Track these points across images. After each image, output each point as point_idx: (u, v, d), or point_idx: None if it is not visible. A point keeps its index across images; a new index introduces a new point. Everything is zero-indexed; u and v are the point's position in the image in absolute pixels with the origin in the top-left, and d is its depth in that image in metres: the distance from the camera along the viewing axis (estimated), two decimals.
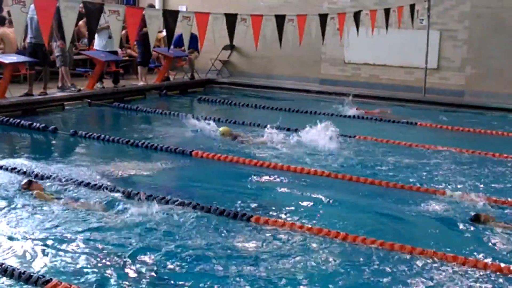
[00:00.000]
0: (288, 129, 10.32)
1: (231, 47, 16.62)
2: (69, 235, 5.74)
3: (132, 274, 5.08)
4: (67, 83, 12.67)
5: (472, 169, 8.65)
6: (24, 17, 7.47)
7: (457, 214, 6.69)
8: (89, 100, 12.44)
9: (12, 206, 6.43)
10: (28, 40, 11.72)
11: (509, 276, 5.28)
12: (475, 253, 5.70)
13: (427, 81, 14.65)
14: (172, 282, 5.00)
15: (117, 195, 6.77)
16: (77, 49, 14.58)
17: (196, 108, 13.52)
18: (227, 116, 11.91)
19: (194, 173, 8.28)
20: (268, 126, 9.99)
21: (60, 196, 6.75)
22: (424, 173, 8.33)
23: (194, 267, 5.25)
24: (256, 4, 16.32)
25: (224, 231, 6.00)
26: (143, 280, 4.99)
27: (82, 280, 4.95)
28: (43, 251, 5.44)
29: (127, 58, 15.71)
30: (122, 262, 5.26)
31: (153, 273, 5.10)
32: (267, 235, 5.96)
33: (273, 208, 6.78)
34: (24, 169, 7.58)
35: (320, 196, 7.18)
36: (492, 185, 7.90)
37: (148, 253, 5.46)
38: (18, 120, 10.31)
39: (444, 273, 5.29)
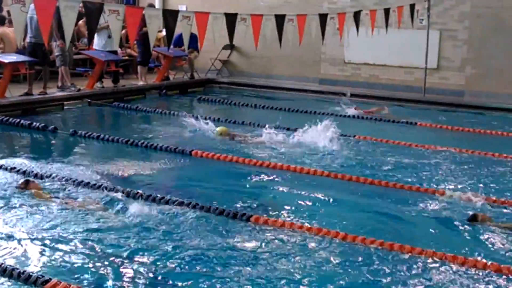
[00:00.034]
0: (288, 129, 10.32)
1: (231, 46, 16.61)
2: (68, 235, 5.74)
3: (131, 273, 5.08)
4: (66, 83, 12.66)
5: (472, 169, 8.65)
6: (23, 17, 7.46)
7: (456, 214, 6.69)
8: (88, 100, 12.44)
9: (12, 206, 6.42)
10: (27, 39, 11.71)
11: (509, 276, 5.28)
12: (474, 253, 5.69)
13: (427, 81, 14.65)
14: (171, 281, 4.99)
15: (117, 194, 6.76)
16: (77, 48, 14.59)
17: (196, 107, 13.51)
18: (226, 115, 11.91)
19: (193, 173, 8.27)
20: (267, 126, 9.99)
21: (59, 195, 6.75)
22: (424, 173, 8.33)
23: (194, 266, 5.25)
24: (256, 4, 16.31)
25: (224, 231, 6.00)
26: (143, 279, 4.99)
27: (81, 279, 4.95)
28: (42, 250, 5.44)
29: (127, 57, 15.71)
30: (121, 262, 5.25)
31: (152, 273, 5.10)
32: (267, 235, 5.96)
33: (273, 208, 6.78)
34: (24, 169, 7.58)
35: (319, 196, 7.18)
36: (492, 185, 7.90)
37: (147, 252, 5.46)
38: (18, 120, 10.31)
39: (443, 273, 5.29)
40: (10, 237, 5.65)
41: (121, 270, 5.13)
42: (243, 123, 11.15)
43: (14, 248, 5.45)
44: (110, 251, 5.46)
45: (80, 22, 13.17)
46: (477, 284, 5.14)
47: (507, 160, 9.22)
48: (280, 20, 10.96)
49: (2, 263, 5.05)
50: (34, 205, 6.40)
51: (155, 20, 9.11)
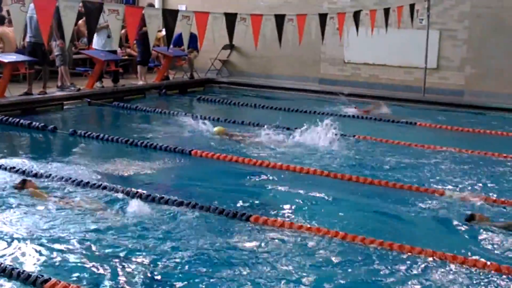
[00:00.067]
0: (288, 129, 10.32)
1: (230, 46, 16.60)
2: (68, 234, 5.74)
3: (130, 273, 5.07)
4: (66, 83, 12.66)
5: (472, 169, 8.65)
6: (23, 16, 7.45)
7: (456, 214, 6.69)
8: (88, 100, 12.43)
9: (11, 205, 6.42)
10: (27, 39, 11.71)
11: (509, 275, 5.28)
12: (474, 253, 5.69)
13: (427, 81, 14.64)
14: (170, 281, 4.99)
15: (116, 194, 6.76)
16: (77, 48, 14.58)
17: (195, 107, 13.51)
18: (226, 115, 11.90)
19: (193, 173, 8.27)
20: (265, 126, 9.98)
21: (58, 195, 6.74)
22: (424, 173, 8.32)
23: (193, 266, 5.24)
24: (256, 3, 16.30)
25: (223, 231, 6.00)
26: (142, 279, 4.98)
27: (80, 279, 4.95)
28: (41, 250, 5.43)
29: (126, 57, 15.70)
30: (120, 261, 5.25)
31: (151, 273, 5.09)
32: (266, 234, 5.96)
33: (272, 207, 6.78)
34: (23, 168, 7.58)
35: (319, 196, 7.18)
36: (492, 185, 7.90)
37: (146, 252, 5.46)
38: (18, 119, 10.30)
39: (443, 273, 5.29)
40: (9, 237, 5.65)
41: (120, 269, 5.12)
42: (243, 123, 11.15)
43: (13, 248, 5.45)
44: (109, 250, 5.46)
45: (80, 21, 13.16)
46: (476, 284, 5.14)
47: (507, 160, 9.22)
48: (280, 20, 10.96)
49: (2, 263, 5.05)
50: (33, 205, 6.40)
51: (155, 20, 9.10)
